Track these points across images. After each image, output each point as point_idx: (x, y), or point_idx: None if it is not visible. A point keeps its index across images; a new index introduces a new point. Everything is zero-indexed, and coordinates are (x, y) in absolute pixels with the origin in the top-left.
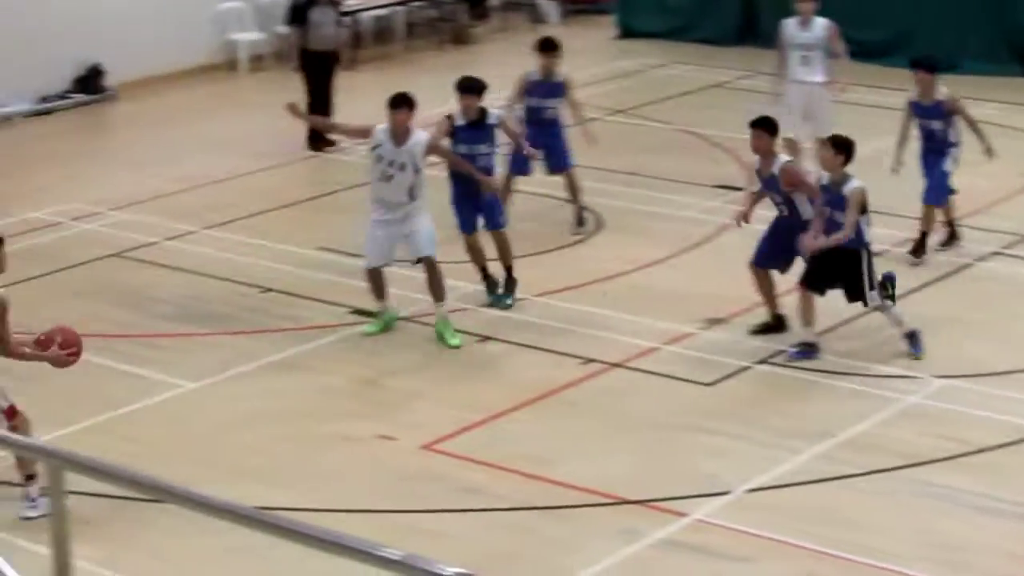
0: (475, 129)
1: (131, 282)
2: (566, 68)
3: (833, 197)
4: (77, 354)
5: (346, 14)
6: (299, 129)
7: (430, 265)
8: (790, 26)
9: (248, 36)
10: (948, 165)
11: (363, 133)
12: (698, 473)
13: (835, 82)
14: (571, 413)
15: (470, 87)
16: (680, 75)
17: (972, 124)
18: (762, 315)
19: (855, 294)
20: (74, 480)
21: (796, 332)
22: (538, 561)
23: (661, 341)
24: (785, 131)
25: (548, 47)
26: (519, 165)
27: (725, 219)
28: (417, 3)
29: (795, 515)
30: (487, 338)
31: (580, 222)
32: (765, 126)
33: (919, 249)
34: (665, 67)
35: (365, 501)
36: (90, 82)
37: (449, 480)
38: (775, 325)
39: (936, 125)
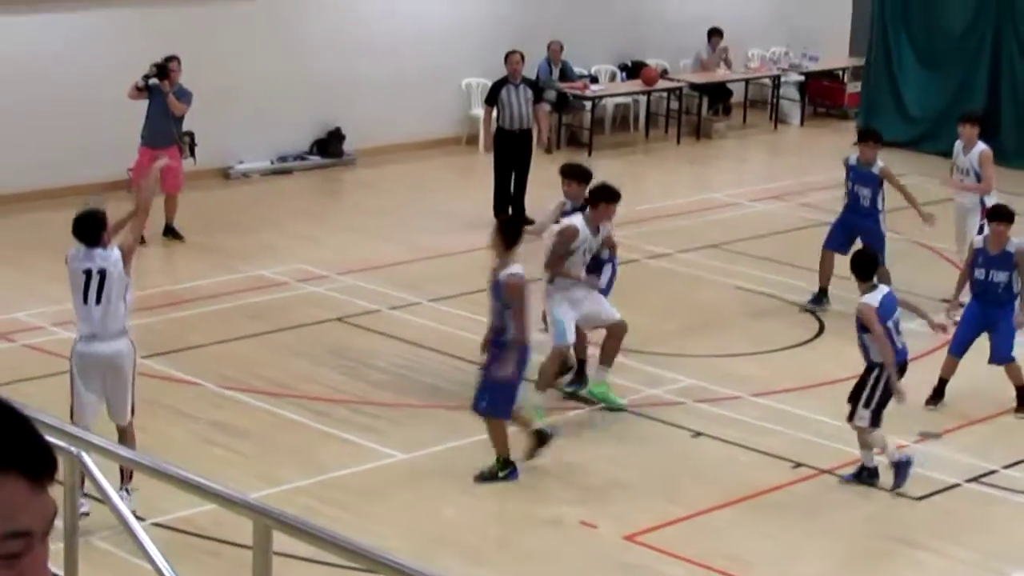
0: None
1: (350, 347)
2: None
3: None
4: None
5: (589, 99)
6: (530, 208)
7: (623, 330)
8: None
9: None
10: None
11: (568, 236)
12: None
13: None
14: (776, 516)
15: (576, 173)
16: (917, 185)
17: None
18: (975, 431)
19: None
20: (280, 540)
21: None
22: None
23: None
24: None
25: None
26: None
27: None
28: (659, 93)
29: None
30: (699, 433)
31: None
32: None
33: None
34: (903, 176)
35: None
36: (329, 145)
37: (648, 572)
38: None
39: None
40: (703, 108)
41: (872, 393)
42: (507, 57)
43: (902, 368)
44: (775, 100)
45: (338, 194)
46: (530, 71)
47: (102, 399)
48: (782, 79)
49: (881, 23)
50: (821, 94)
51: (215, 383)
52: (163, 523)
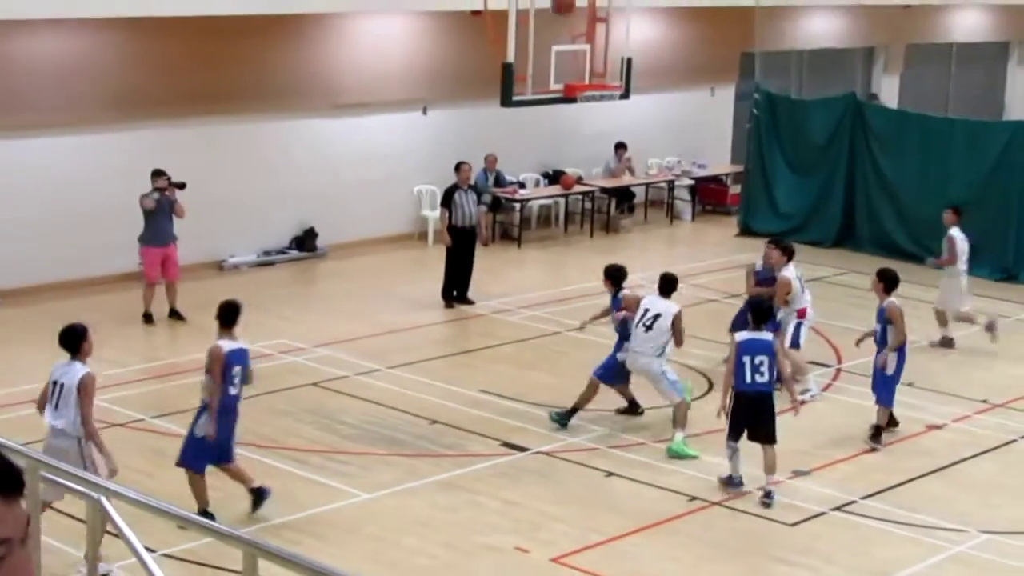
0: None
1: (324, 406)
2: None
3: None
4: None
5: (518, 202)
6: (470, 291)
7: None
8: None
9: (436, 213)
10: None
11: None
12: None
13: None
14: (677, 541)
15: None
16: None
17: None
18: (838, 468)
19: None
20: (266, 568)
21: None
22: None
23: (754, 486)
24: None
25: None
26: None
27: (816, 390)
28: (575, 196)
29: None
30: (612, 473)
31: None
32: None
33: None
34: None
35: None
36: (305, 241)
37: None
38: None
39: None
40: (611, 208)
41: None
42: (458, 167)
43: (744, 396)
44: (671, 200)
45: (313, 281)
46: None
47: None
48: (676, 183)
49: (757, 136)
50: (708, 195)
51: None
52: (171, 554)
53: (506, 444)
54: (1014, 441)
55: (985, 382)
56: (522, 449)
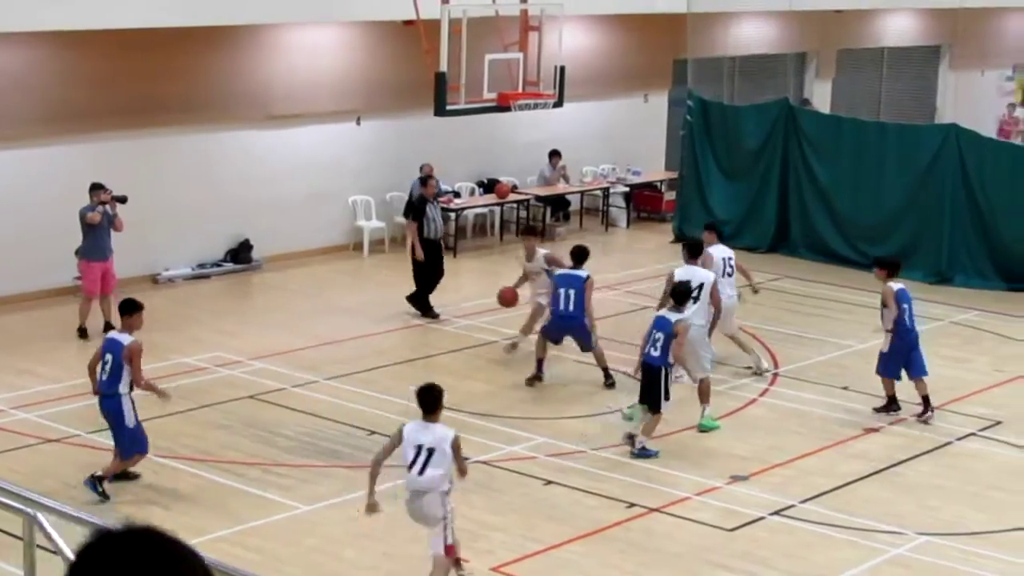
0: None
1: (261, 419)
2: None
3: None
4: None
5: (453, 211)
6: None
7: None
8: None
9: (372, 224)
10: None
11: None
12: None
13: None
14: (617, 548)
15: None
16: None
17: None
18: (776, 472)
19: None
20: None
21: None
22: None
23: (693, 492)
24: None
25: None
26: None
27: (753, 395)
28: (510, 204)
29: None
30: (550, 482)
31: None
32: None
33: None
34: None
35: None
36: (240, 254)
37: None
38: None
39: None
40: (547, 216)
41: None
42: (426, 180)
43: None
44: (606, 208)
45: (248, 294)
46: (404, 189)
47: None
48: (611, 191)
49: (690, 142)
50: (643, 202)
51: (151, 452)
52: None
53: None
54: (949, 443)
55: None
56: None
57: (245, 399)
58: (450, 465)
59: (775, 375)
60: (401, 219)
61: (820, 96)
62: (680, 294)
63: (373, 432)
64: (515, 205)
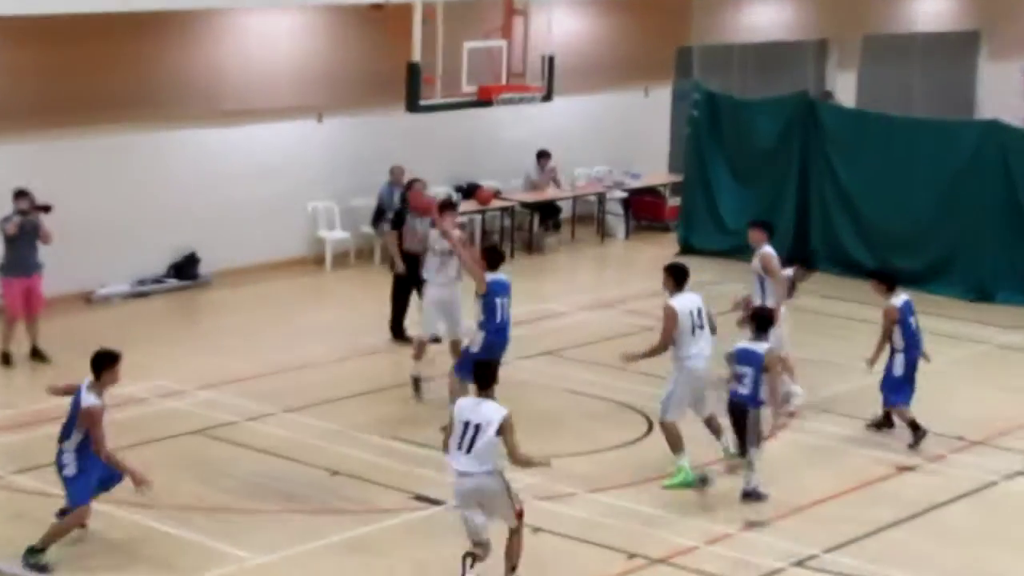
0: None
1: (209, 458)
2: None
3: None
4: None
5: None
6: (377, 323)
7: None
8: None
9: (335, 234)
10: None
11: None
12: None
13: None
14: None
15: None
16: (734, 292)
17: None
18: (796, 517)
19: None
20: None
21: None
22: None
23: (703, 540)
24: None
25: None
26: None
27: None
28: (493, 212)
29: None
30: (539, 529)
31: None
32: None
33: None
34: (719, 284)
35: None
36: (185, 268)
37: None
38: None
39: None
40: (534, 225)
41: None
42: (410, 185)
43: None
44: (601, 216)
45: (195, 314)
46: (371, 195)
47: None
48: (607, 196)
49: (697, 141)
50: (643, 209)
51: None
52: None
53: (419, 497)
54: (995, 483)
55: (961, 416)
56: (437, 502)
57: (191, 434)
58: (496, 446)
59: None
60: (368, 229)
61: (843, 88)
62: (762, 320)
63: (336, 472)
64: (498, 213)
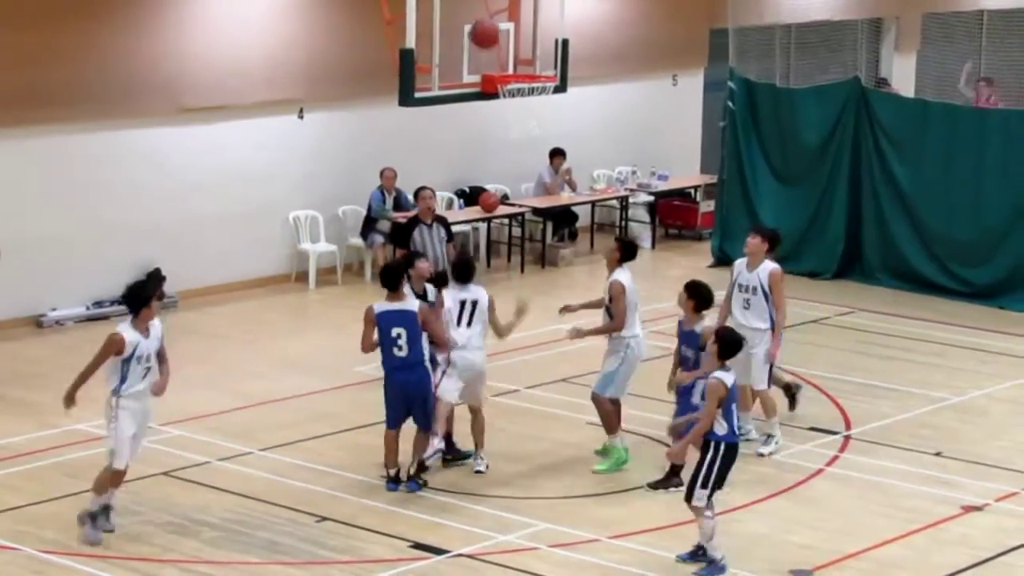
0: None
1: (179, 503)
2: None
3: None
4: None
5: None
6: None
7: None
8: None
9: (319, 247)
10: None
11: None
12: None
13: None
14: None
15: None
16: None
17: None
18: (848, 565)
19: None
20: None
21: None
22: None
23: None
24: None
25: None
26: None
27: (818, 464)
28: (499, 219)
29: None
30: None
31: None
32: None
33: None
34: None
35: None
36: None
37: None
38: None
39: None
40: (547, 234)
41: (709, 471)
42: (417, 194)
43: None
44: (623, 223)
45: None
46: (360, 202)
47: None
48: (630, 200)
49: (733, 137)
50: (672, 215)
51: (34, 547)
52: None
53: (416, 545)
54: None
55: None
56: (438, 551)
57: (157, 476)
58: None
59: (846, 438)
60: (357, 240)
61: (901, 74)
62: (731, 344)
63: (324, 518)
64: (506, 221)
